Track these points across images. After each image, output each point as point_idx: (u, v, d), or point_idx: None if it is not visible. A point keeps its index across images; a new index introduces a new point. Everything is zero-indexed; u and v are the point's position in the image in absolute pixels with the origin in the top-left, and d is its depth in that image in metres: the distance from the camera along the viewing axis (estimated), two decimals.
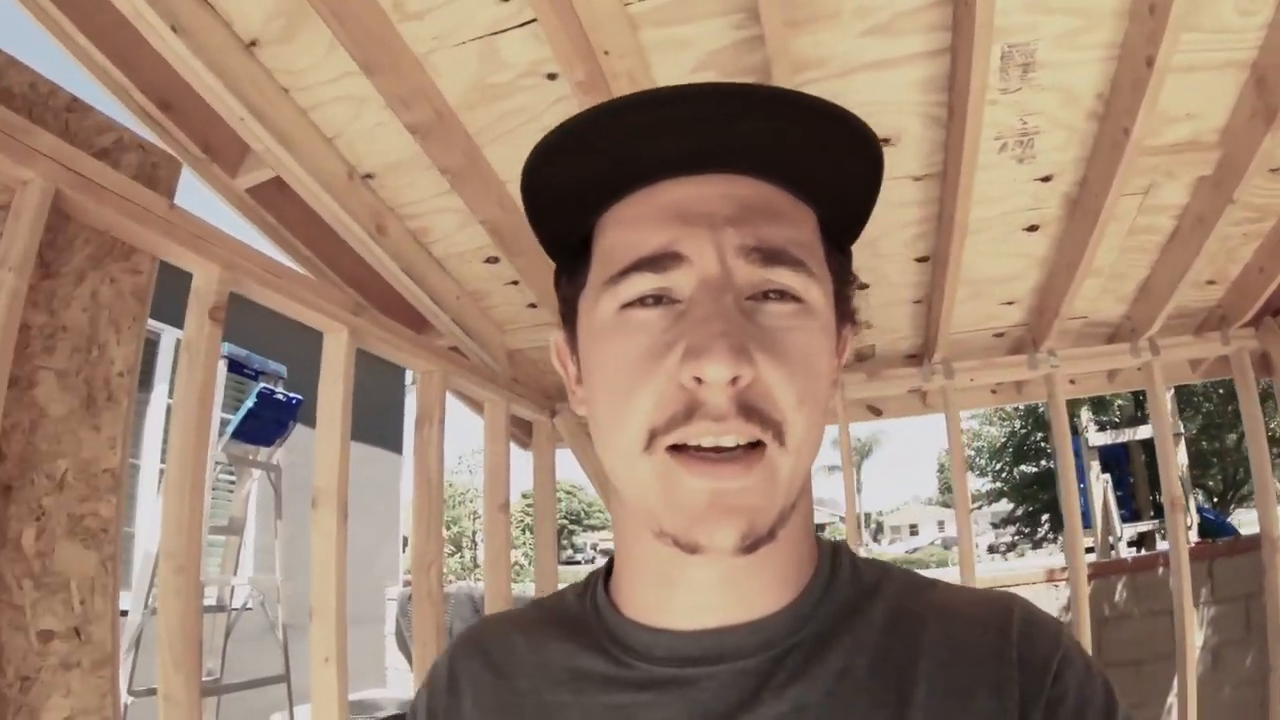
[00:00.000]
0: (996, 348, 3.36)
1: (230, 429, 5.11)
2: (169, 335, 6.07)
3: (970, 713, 0.55)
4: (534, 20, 1.67)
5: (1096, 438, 10.07)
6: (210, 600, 5.34)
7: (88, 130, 1.75)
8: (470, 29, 1.76)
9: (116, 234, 1.78)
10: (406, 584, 4.89)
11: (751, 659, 0.59)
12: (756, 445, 0.54)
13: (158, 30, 1.65)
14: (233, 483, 5.94)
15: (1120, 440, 10.43)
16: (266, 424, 5.23)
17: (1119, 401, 16.58)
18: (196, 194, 2.50)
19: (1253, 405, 3.04)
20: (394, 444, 9.82)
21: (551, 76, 1.85)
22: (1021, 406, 19.58)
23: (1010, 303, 3.05)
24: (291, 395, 5.51)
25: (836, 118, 0.56)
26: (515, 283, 2.67)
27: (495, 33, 1.76)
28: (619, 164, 0.57)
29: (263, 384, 5.19)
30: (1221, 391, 16.44)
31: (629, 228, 0.58)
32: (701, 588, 0.61)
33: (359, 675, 6.61)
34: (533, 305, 2.82)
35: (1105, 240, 2.40)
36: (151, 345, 6.11)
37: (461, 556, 25.64)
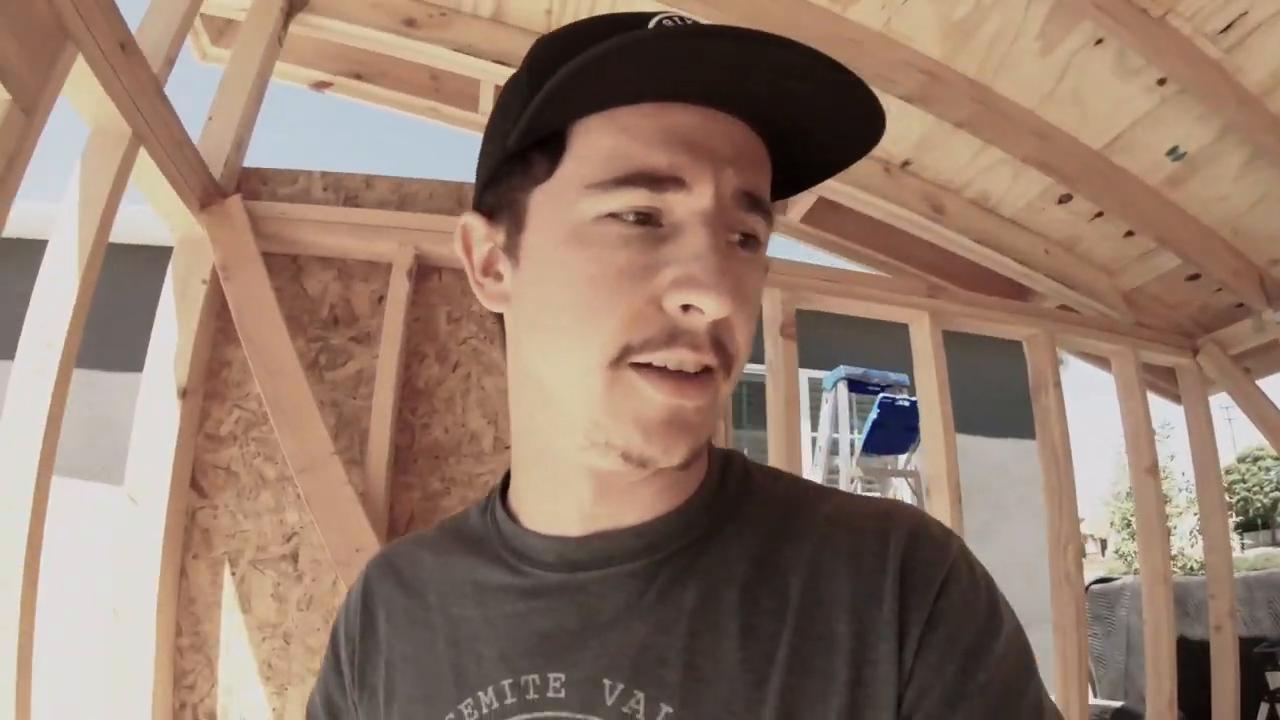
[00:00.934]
0: None
1: (860, 444, 5.25)
2: (801, 378, 6.57)
3: (846, 621, 0.55)
4: None
5: None
6: None
7: None
8: None
9: None
10: (1100, 580, 4.32)
11: (638, 562, 0.60)
12: (705, 371, 0.55)
13: None
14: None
15: None
16: (895, 432, 5.20)
17: None
18: None
19: None
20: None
21: None
22: None
23: None
24: (915, 399, 5.28)
25: (866, 103, 0.54)
26: (1099, 215, 2.34)
27: None
28: (650, 79, 0.53)
29: (883, 395, 5.25)
30: None
31: (631, 138, 0.54)
32: (603, 496, 0.60)
33: None
34: (1130, 234, 2.43)
35: None
36: None
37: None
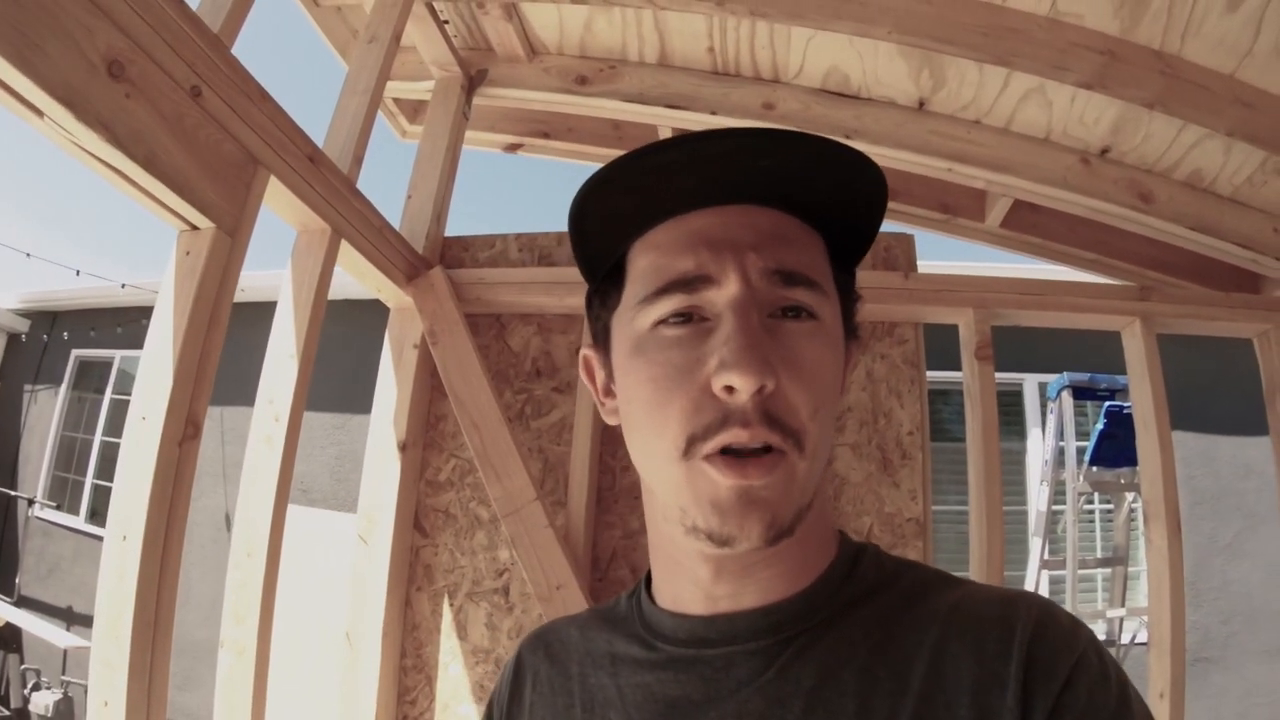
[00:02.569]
0: None
1: (1088, 456, 4.80)
2: (1030, 382, 6.20)
3: (968, 706, 0.55)
4: None
5: None
6: (1100, 635, 5.08)
7: None
8: None
9: (876, 317, 2.01)
10: None
11: (762, 641, 0.63)
12: (774, 450, 0.58)
13: None
14: (1108, 512, 5.51)
15: None
16: (1125, 443, 4.68)
17: None
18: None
19: None
20: None
21: None
22: None
23: None
24: None
25: (842, 155, 0.62)
26: None
27: None
28: (650, 199, 0.63)
29: (1110, 402, 4.78)
30: None
31: (661, 253, 0.63)
32: (718, 579, 0.65)
33: None
34: None
35: None
36: (1016, 398, 6.24)
37: None
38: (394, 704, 1.85)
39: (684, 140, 0.61)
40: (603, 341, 0.70)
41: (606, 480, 1.95)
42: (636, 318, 0.63)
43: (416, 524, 1.96)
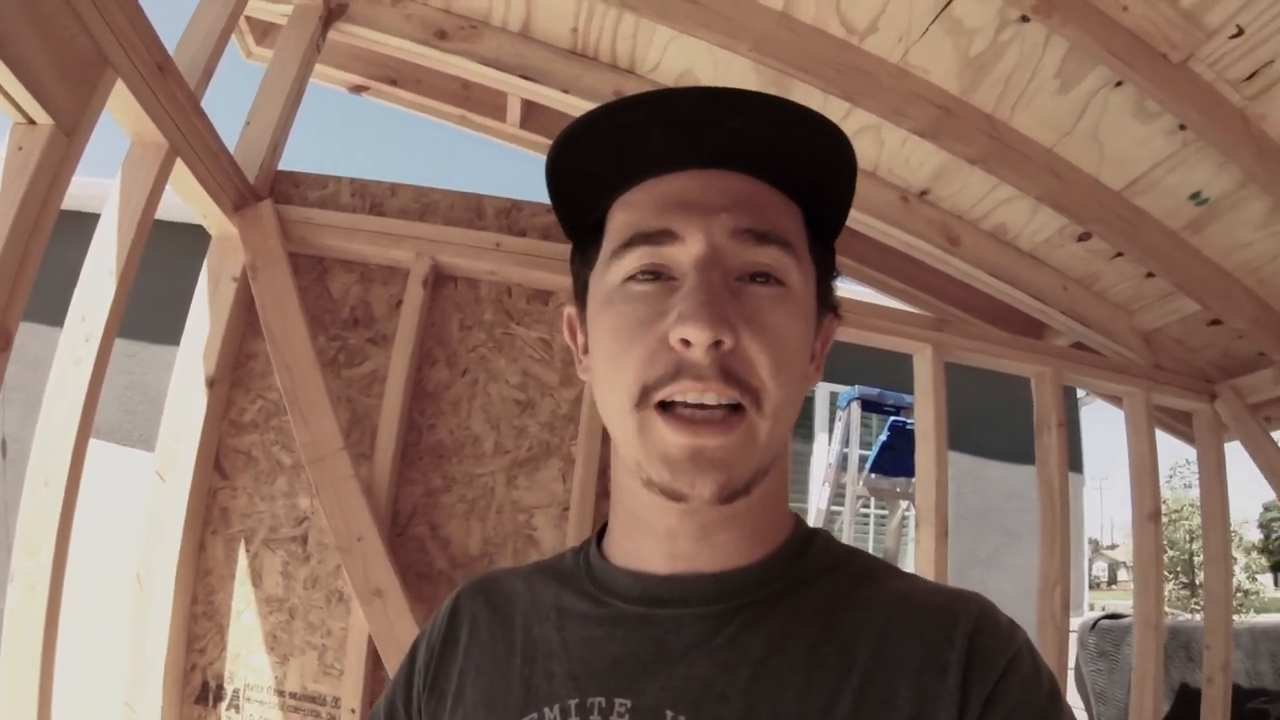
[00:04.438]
0: None
1: (869, 464, 5.28)
2: (821, 391, 6.81)
3: (909, 687, 0.56)
4: None
5: None
6: None
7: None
8: (923, 13, 1.71)
9: None
10: (1109, 616, 4.25)
11: (713, 606, 0.63)
12: (736, 408, 0.59)
13: None
14: (882, 518, 6.10)
15: None
16: (904, 455, 5.21)
17: None
18: None
19: None
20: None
21: (1024, 19, 1.66)
22: None
23: None
24: None
25: (815, 122, 0.63)
26: (1119, 255, 2.32)
27: (946, 4, 1.67)
28: (621, 156, 0.65)
29: (895, 417, 5.27)
30: None
31: (632, 210, 0.65)
32: (677, 536, 0.65)
33: None
34: (1150, 275, 2.39)
35: None
36: (808, 402, 6.72)
37: (1179, 580, 22.01)
38: (183, 651, 1.77)
39: (652, 98, 0.63)
40: (581, 299, 0.71)
41: (413, 437, 1.94)
42: (607, 272, 0.65)
43: (217, 464, 1.88)
